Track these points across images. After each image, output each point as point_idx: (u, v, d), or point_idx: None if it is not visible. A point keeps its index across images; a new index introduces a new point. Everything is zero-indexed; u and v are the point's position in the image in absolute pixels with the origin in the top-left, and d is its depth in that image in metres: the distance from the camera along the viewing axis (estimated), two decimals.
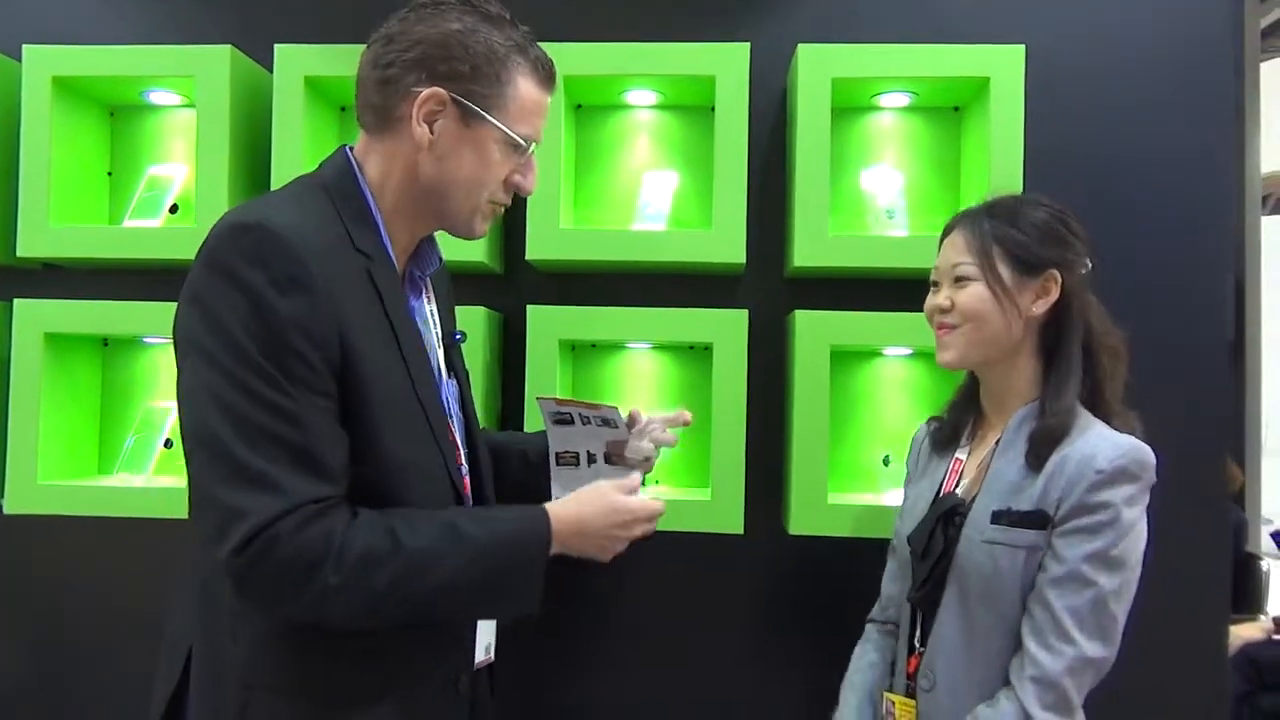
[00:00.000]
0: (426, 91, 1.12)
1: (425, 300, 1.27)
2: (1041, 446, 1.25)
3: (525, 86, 1.18)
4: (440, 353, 1.28)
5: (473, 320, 1.75)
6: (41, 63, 1.87)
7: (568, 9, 1.92)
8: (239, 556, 0.98)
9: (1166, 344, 1.80)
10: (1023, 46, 1.73)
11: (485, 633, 1.30)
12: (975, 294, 1.30)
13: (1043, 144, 1.80)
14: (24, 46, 1.88)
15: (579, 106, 1.95)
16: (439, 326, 1.30)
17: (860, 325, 1.76)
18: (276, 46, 1.85)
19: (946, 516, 1.30)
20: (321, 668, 1.10)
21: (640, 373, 1.95)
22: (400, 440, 1.10)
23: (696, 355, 1.92)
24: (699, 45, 1.77)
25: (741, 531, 1.73)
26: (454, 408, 1.27)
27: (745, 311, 1.76)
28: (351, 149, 1.21)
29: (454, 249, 1.50)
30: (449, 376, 1.29)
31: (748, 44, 1.77)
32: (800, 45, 1.75)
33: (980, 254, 1.30)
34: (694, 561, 1.88)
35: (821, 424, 1.72)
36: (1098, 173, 1.83)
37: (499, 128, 1.16)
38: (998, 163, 1.71)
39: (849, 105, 1.89)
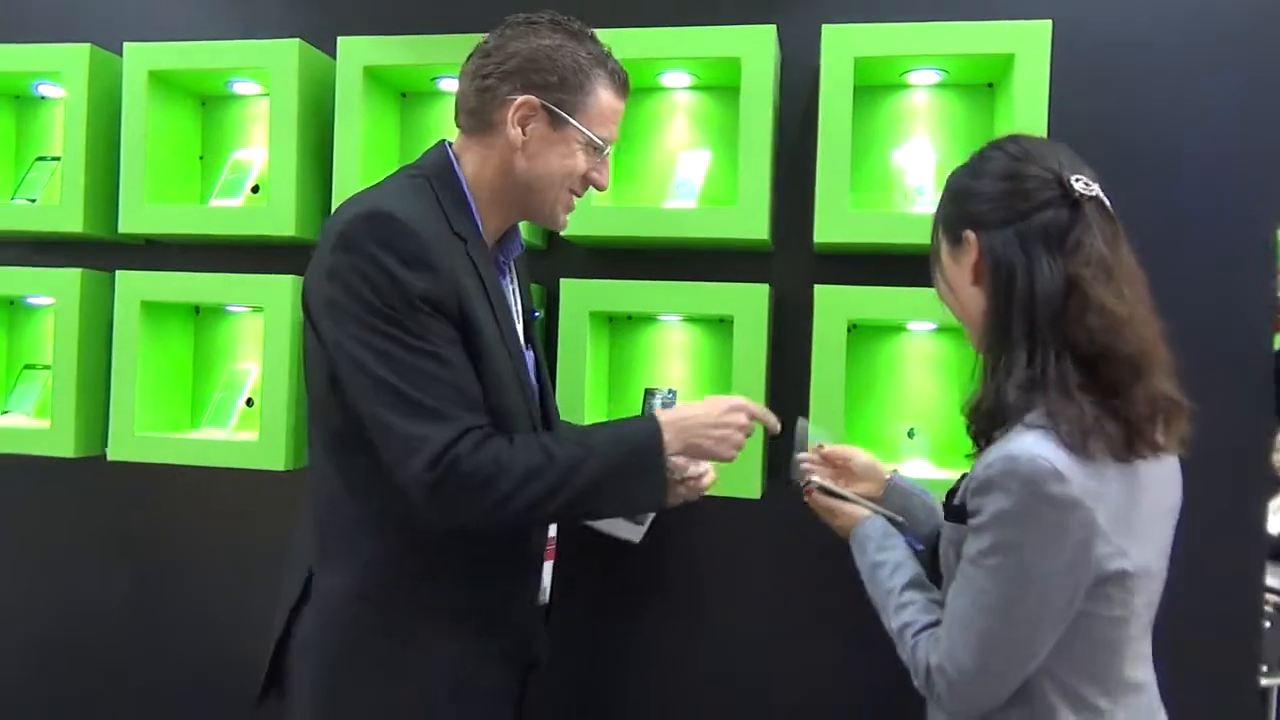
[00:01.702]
0: (521, 99, 1.33)
1: (509, 280, 1.48)
2: (971, 431, 1.15)
3: (604, 95, 1.39)
4: (520, 327, 1.45)
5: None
6: (139, 58, 2.07)
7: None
8: (430, 472, 1.19)
9: (1204, 332, 1.76)
10: (1049, 21, 1.72)
11: (546, 576, 1.51)
12: (937, 283, 1.23)
13: (1072, 122, 1.78)
14: (124, 44, 2.10)
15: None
16: (520, 304, 1.48)
17: (881, 300, 1.80)
18: (339, 38, 1.99)
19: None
20: (422, 585, 1.31)
21: (672, 344, 2.03)
22: (500, 396, 1.31)
23: (726, 328, 2.00)
24: (726, 28, 1.83)
25: (758, 496, 1.81)
26: (533, 376, 1.43)
27: (766, 286, 1.82)
28: (450, 144, 1.41)
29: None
30: (528, 348, 1.46)
31: (773, 26, 1.82)
32: (824, 26, 1.79)
33: (932, 236, 1.23)
34: (712, 525, 1.96)
35: (838, 395, 1.78)
36: (1130, 152, 1.80)
37: (582, 130, 1.37)
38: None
39: (878, 83, 1.92)
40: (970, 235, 1.13)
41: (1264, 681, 2.57)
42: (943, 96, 1.94)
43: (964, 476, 1.13)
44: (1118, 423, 1.04)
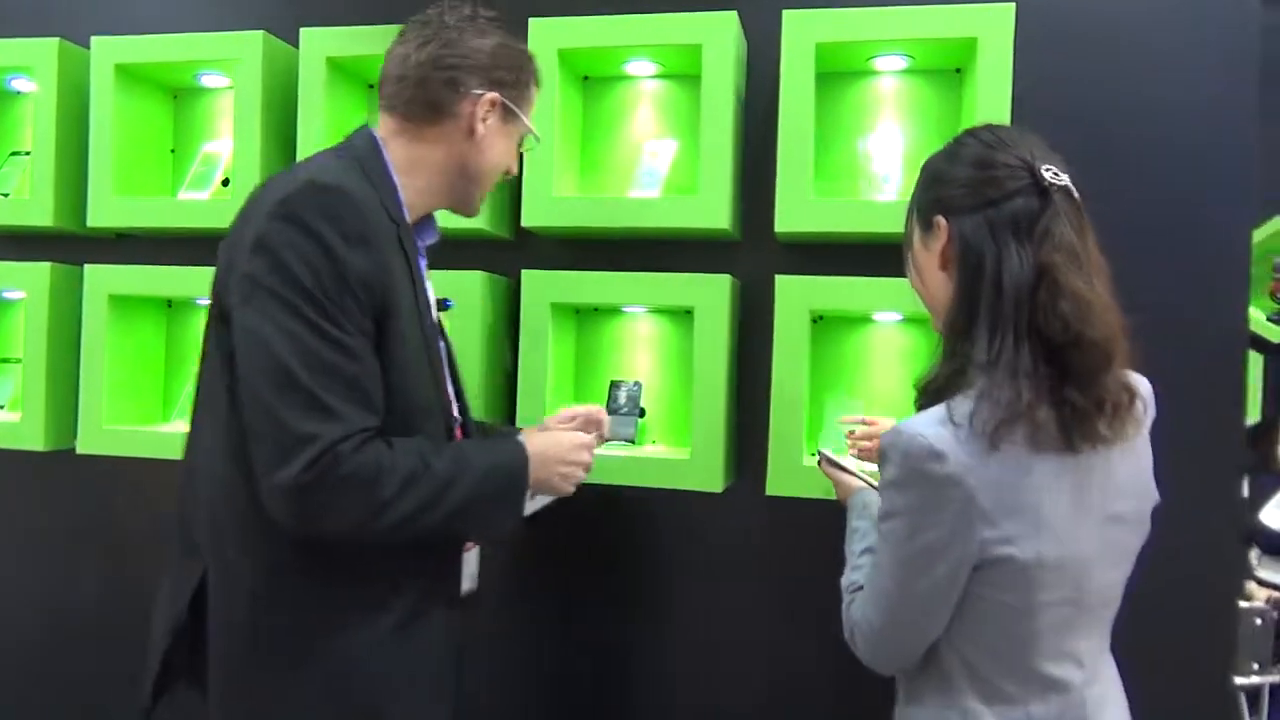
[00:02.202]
0: (490, 95, 1.37)
1: (424, 268, 1.44)
2: (917, 408, 1.13)
3: (533, 92, 1.47)
4: (435, 315, 1.42)
5: (471, 285, 1.87)
6: (106, 51, 2.07)
7: None
8: (307, 473, 1.13)
9: (1174, 319, 1.73)
10: (1012, 5, 1.69)
11: (470, 563, 1.48)
12: (908, 267, 1.23)
13: (1038, 107, 1.75)
14: (92, 37, 2.10)
15: (585, 79, 2.02)
16: (432, 293, 1.45)
17: (844, 290, 1.77)
18: (301, 29, 1.98)
19: None
20: (334, 580, 1.25)
21: (638, 336, 2.01)
22: (418, 386, 1.29)
23: (691, 320, 1.97)
24: (687, 15, 1.81)
25: (719, 490, 1.79)
26: (446, 365, 1.43)
27: (727, 277, 1.80)
28: (373, 130, 1.38)
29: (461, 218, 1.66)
30: (441, 338, 1.44)
31: (734, 13, 1.79)
32: (785, 11, 1.77)
33: (905, 221, 1.22)
34: (673, 518, 1.94)
35: (799, 387, 1.75)
36: (1100, 139, 1.76)
37: (527, 125, 1.45)
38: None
39: (844, 69, 1.89)
40: (941, 220, 1.13)
41: (1255, 680, 2.52)
42: (910, 83, 1.90)
43: None
44: (1060, 411, 1.03)
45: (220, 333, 1.25)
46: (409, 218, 1.36)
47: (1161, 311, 1.72)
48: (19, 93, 2.32)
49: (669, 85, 2.00)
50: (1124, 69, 1.78)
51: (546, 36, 1.85)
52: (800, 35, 1.75)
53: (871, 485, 1.40)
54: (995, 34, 1.69)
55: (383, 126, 1.38)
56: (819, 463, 1.52)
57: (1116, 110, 1.78)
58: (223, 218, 1.95)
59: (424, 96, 1.35)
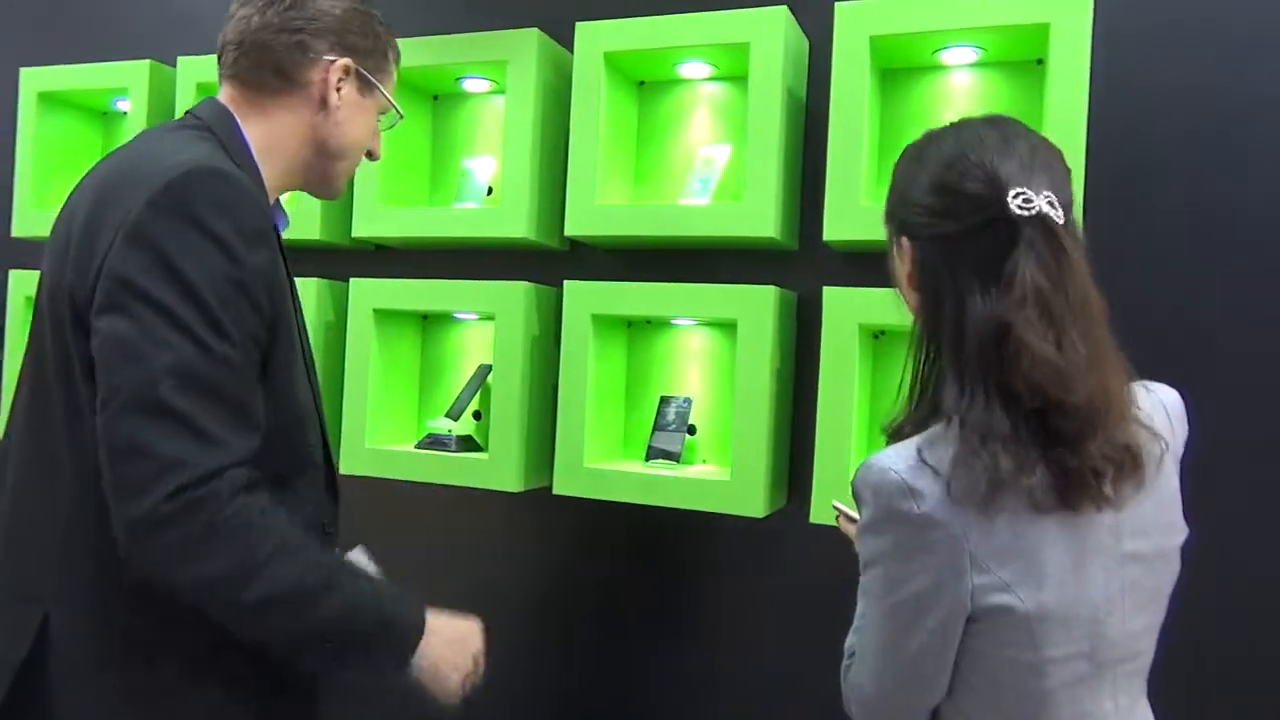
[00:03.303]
0: (342, 61, 1.21)
1: None
2: (886, 441, 1.04)
3: (394, 63, 1.31)
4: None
5: (514, 296, 1.83)
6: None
7: None
8: (167, 504, 0.94)
9: (1260, 333, 1.50)
10: None
11: None
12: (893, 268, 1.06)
13: (1121, 101, 1.56)
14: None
15: (641, 84, 1.95)
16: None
17: (898, 303, 1.63)
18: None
19: None
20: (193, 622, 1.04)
21: (690, 350, 1.93)
22: (300, 392, 1.17)
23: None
24: (735, 12, 1.72)
25: (762, 515, 1.68)
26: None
27: (772, 288, 1.69)
28: (223, 102, 1.21)
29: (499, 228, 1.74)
30: None
31: (783, 8, 1.69)
32: (837, 4, 1.65)
33: (885, 223, 1.07)
34: (713, 542, 1.84)
35: (847, 408, 1.62)
36: (1188, 134, 1.56)
37: (388, 99, 1.28)
38: (1057, 123, 1.51)
39: (908, 65, 1.74)
40: (904, 241, 0.99)
41: None
42: (985, 77, 1.74)
43: None
44: (1054, 473, 0.88)
45: (71, 337, 1.05)
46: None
47: (1264, 320, 1.52)
48: None
49: (725, 88, 1.90)
50: (1223, 59, 1.56)
51: (592, 40, 1.80)
52: (853, 29, 1.63)
53: None
54: (1070, 19, 1.51)
55: (230, 99, 1.21)
56: (836, 517, 1.38)
57: (1212, 107, 1.56)
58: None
59: (270, 61, 1.19)
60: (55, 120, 2.36)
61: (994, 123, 1.00)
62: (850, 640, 1.06)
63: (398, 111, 1.32)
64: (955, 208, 0.93)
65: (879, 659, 0.95)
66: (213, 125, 1.17)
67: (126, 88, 2.23)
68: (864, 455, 1.72)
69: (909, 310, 1.06)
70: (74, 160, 2.39)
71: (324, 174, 1.27)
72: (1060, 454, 0.88)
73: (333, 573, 1.07)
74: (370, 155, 1.32)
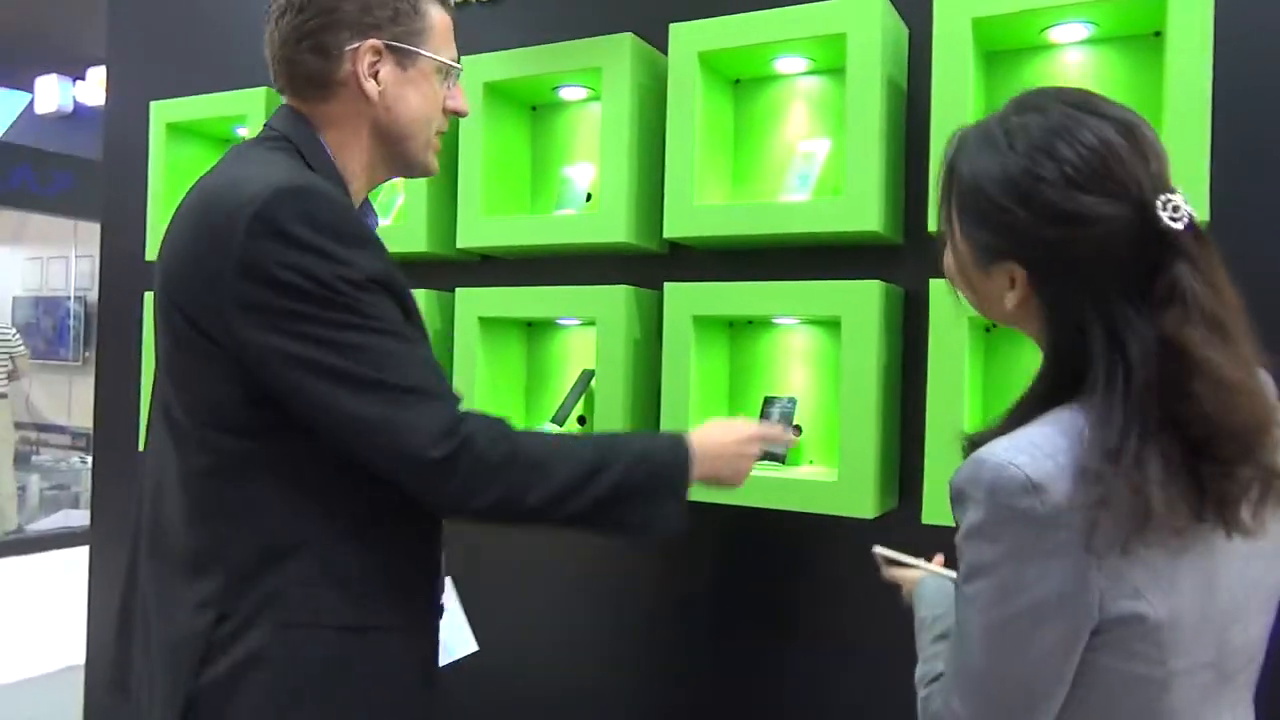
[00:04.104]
0: (367, 44, 1.18)
1: None
2: (965, 446, 0.97)
3: (436, 13, 1.24)
4: None
5: (615, 300, 1.84)
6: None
7: None
8: (437, 449, 1.05)
9: None
10: None
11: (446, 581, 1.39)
12: (947, 259, 0.98)
13: (1246, 77, 1.46)
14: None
15: (737, 82, 1.93)
16: None
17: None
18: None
19: None
20: (350, 607, 1.13)
21: (794, 349, 1.89)
22: None
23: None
24: (829, 3, 1.68)
25: (872, 516, 1.63)
26: None
27: (876, 283, 1.64)
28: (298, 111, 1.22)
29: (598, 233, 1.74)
30: None
31: None
32: None
33: (943, 202, 0.96)
34: (822, 544, 1.80)
35: (959, 403, 1.57)
36: None
37: (432, 58, 1.23)
38: (1176, 97, 1.43)
39: (1016, 46, 1.68)
40: (1016, 269, 0.88)
41: None
42: (1100, 54, 1.66)
43: None
44: (1200, 504, 0.81)
45: (195, 353, 1.10)
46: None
47: None
48: None
49: (823, 81, 1.87)
50: None
51: (686, 41, 1.79)
52: (953, 12, 1.57)
53: (941, 573, 1.19)
54: None
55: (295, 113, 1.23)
56: (877, 564, 1.31)
57: None
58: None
59: (300, 73, 1.19)
60: (183, 149, 2.49)
61: (1082, 98, 0.89)
62: (923, 669, 0.99)
63: (447, 64, 1.25)
64: (1090, 234, 0.83)
65: (984, 682, 0.85)
66: (291, 136, 1.19)
67: (245, 115, 2.34)
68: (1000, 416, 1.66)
69: (982, 310, 0.98)
70: None
71: (402, 157, 1.26)
72: (1209, 477, 0.80)
73: (595, 463, 1.15)
74: (457, 114, 1.30)
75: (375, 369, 1.06)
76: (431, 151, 1.29)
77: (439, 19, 1.25)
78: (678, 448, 1.24)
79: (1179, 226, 0.82)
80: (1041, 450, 0.82)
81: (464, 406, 1.12)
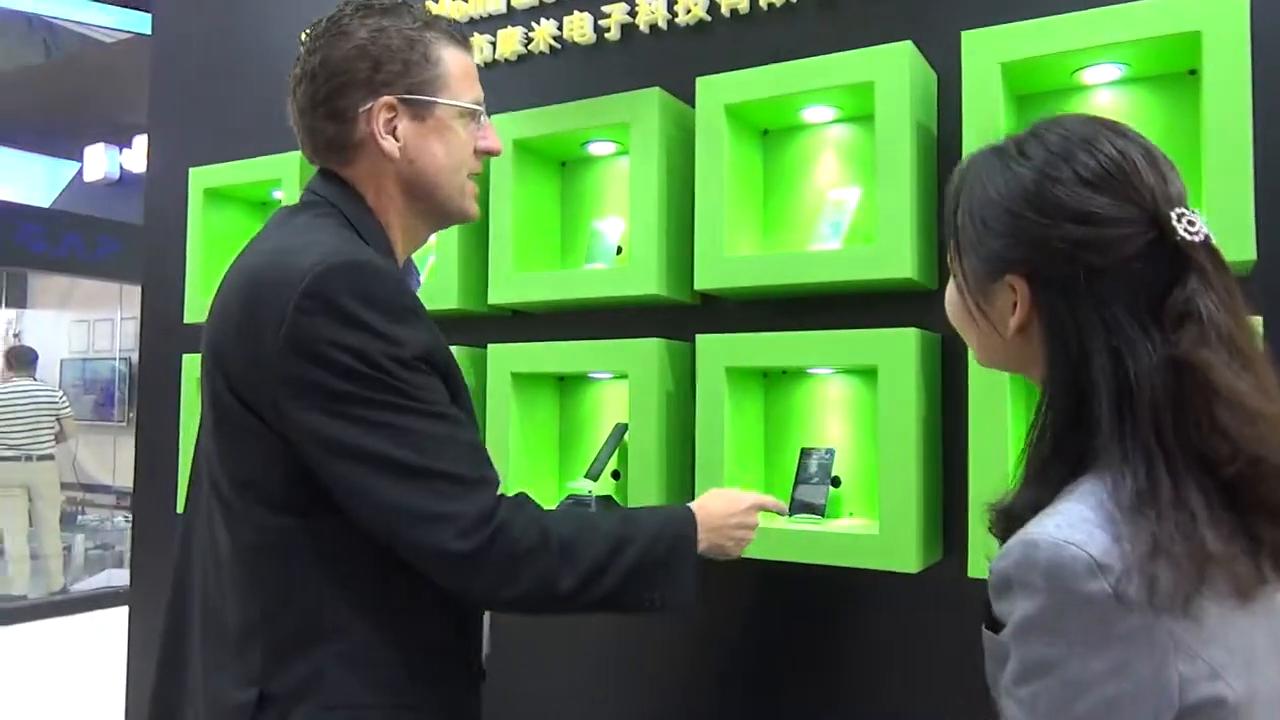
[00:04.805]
0: (376, 104, 1.17)
1: None
2: (996, 532, 0.91)
3: (451, 56, 1.22)
4: None
5: (647, 353, 1.82)
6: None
7: (737, 39, 1.92)
8: (465, 541, 1.04)
9: None
10: None
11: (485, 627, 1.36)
12: (950, 292, 0.95)
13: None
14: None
15: (765, 132, 1.93)
16: None
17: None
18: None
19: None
20: (390, 689, 1.12)
21: (830, 399, 1.86)
22: None
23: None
24: (856, 52, 1.68)
25: (915, 570, 1.58)
26: None
27: (914, 330, 1.61)
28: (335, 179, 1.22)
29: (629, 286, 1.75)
30: None
31: (907, 43, 1.64)
32: (963, 33, 1.59)
33: (948, 230, 0.92)
34: (863, 601, 1.76)
35: (1001, 451, 1.52)
36: None
37: (451, 104, 1.22)
38: (1216, 137, 1.40)
39: (1048, 89, 1.66)
40: (1016, 283, 0.85)
41: None
42: (1133, 94, 1.63)
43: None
44: (1255, 556, 0.75)
45: (237, 430, 1.11)
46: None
47: None
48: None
49: (851, 129, 1.86)
50: None
51: (713, 94, 1.79)
52: (982, 57, 1.56)
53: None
54: (1224, 23, 1.40)
55: (325, 181, 1.23)
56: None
57: None
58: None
59: (322, 142, 1.19)
60: (220, 213, 2.54)
61: (1096, 120, 0.86)
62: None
63: (468, 108, 1.23)
64: (1103, 237, 0.79)
65: None
66: (335, 200, 1.20)
67: (280, 179, 2.38)
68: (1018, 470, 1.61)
69: (981, 352, 0.94)
70: (237, 250, 2.56)
71: (437, 208, 1.26)
72: (1259, 526, 0.74)
73: (618, 542, 1.15)
74: (489, 153, 1.29)
75: (418, 454, 1.04)
76: (468, 197, 1.28)
77: (455, 62, 1.23)
78: (688, 519, 1.25)
79: (1195, 240, 0.79)
80: (1095, 524, 0.75)
81: (498, 482, 1.12)
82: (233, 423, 1.12)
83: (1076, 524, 0.75)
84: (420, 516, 1.04)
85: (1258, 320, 1.36)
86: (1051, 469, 0.84)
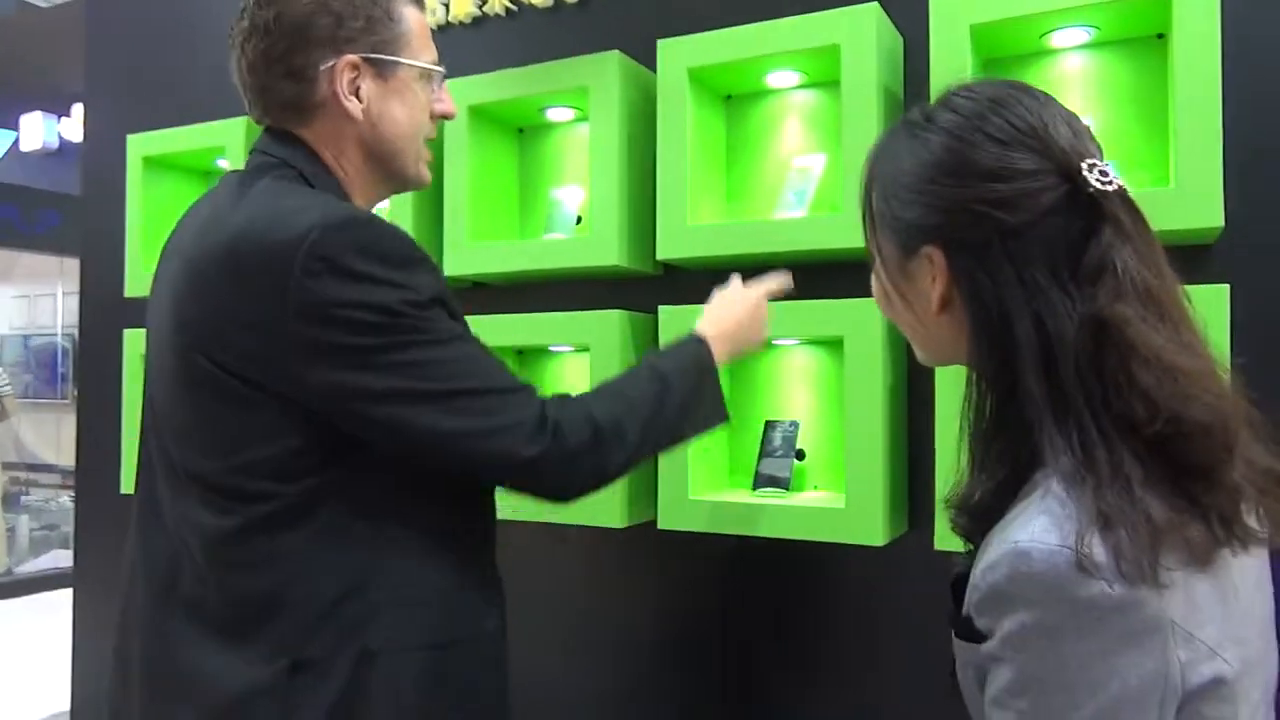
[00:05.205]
0: (340, 62, 1.11)
1: None
2: (960, 531, 0.86)
3: (411, 14, 1.18)
4: None
5: (609, 325, 1.77)
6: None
7: (699, 2, 1.87)
8: (532, 446, 1.06)
9: None
10: None
11: None
12: (873, 283, 0.91)
13: (1257, 79, 1.41)
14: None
15: (728, 98, 1.88)
16: None
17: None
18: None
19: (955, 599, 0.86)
20: (432, 626, 1.12)
21: (794, 370, 1.83)
22: None
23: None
24: (821, 14, 1.64)
25: (881, 543, 1.57)
26: None
27: None
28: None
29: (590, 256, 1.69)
30: None
31: (874, 5, 1.59)
32: None
33: (862, 216, 0.90)
34: (830, 574, 1.74)
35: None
36: None
37: (414, 65, 1.17)
38: (1185, 102, 1.38)
39: (1016, 53, 1.63)
40: (934, 253, 0.81)
41: None
42: (1101, 58, 1.61)
43: (967, 556, 0.85)
44: (1203, 520, 0.72)
45: (251, 400, 1.05)
46: None
47: None
48: None
49: (816, 94, 1.82)
50: None
51: (675, 58, 1.74)
52: (951, 19, 1.52)
53: None
54: None
55: (277, 141, 1.16)
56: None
57: None
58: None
59: (276, 100, 1.13)
60: (161, 183, 2.43)
61: (1005, 83, 0.84)
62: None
63: (430, 69, 1.19)
64: (1017, 191, 0.76)
65: None
66: (295, 163, 1.14)
67: (224, 146, 2.28)
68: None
69: (911, 336, 0.91)
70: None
71: (395, 173, 1.22)
72: (1197, 491, 0.71)
73: (655, 399, 1.19)
74: (445, 117, 1.25)
75: (458, 379, 1.05)
76: (423, 163, 1.24)
77: (415, 20, 1.19)
78: (706, 351, 1.31)
79: (1108, 189, 0.76)
80: (1071, 517, 0.71)
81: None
82: (222, 401, 1.07)
83: (1058, 527, 0.70)
84: (485, 433, 1.05)
85: (1223, 289, 1.36)
86: (995, 448, 0.81)
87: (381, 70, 1.15)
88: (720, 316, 1.38)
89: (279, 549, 1.07)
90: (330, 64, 1.12)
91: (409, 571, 1.11)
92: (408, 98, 1.18)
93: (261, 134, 1.19)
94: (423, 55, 1.19)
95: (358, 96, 1.14)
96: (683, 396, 1.23)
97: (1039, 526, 0.71)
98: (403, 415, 1.04)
